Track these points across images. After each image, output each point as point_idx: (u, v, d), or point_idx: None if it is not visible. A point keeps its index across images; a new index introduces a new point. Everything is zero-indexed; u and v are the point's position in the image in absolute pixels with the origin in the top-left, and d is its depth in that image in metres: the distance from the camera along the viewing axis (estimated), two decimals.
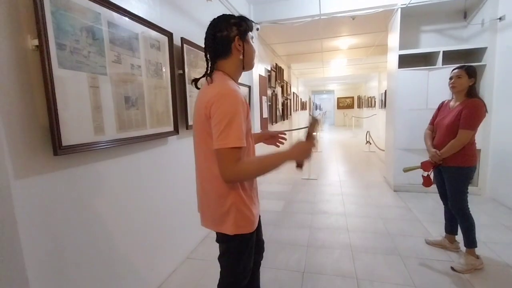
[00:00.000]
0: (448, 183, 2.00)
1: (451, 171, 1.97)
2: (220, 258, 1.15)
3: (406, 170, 2.18)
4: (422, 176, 2.13)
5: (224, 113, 0.90)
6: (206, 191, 1.07)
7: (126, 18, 1.46)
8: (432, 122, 2.20)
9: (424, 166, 2.08)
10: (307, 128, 1.06)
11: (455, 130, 1.90)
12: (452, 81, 1.97)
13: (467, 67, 1.94)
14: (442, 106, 2.16)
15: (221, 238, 1.10)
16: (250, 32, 1.07)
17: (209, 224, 1.10)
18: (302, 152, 1.01)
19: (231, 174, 0.92)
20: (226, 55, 1.03)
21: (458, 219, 1.97)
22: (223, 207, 1.03)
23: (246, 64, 1.08)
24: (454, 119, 1.91)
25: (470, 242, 1.91)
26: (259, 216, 1.27)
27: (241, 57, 1.04)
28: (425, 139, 2.19)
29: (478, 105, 1.84)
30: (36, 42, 1.00)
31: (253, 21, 3.81)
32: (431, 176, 2.10)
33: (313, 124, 1.05)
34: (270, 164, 0.96)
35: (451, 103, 2.06)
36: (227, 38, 1.01)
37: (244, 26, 1.04)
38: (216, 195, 1.03)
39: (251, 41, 1.07)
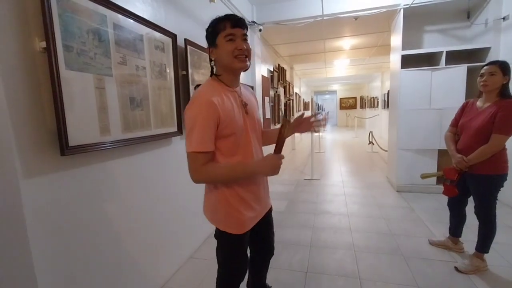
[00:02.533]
0: (475, 191, 1.85)
1: (479, 179, 1.79)
2: (216, 251, 1.20)
3: (424, 176, 2.01)
4: (444, 184, 1.95)
5: (188, 119, 0.96)
6: (205, 185, 1.15)
7: (131, 20, 1.47)
8: (455, 124, 1.99)
9: (447, 173, 1.89)
10: (279, 131, 1.02)
11: (486, 133, 1.71)
12: (484, 78, 1.75)
13: (502, 62, 1.74)
14: (466, 106, 1.95)
15: (215, 231, 1.16)
16: (222, 32, 1.00)
17: (208, 215, 1.16)
18: (270, 168, 1.00)
19: (194, 175, 0.98)
20: (213, 62, 1.08)
21: (480, 225, 1.85)
22: (211, 203, 1.11)
23: (224, 66, 1.04)
24: (486, 122, 1.71)
25: (484, 247, 1.86)
26: (270, 215, 1.31)
27: (213, 63, 1.07)
28: (447, 142, 1.99)
29: None
30: (43, 44, 1.02)
31: (257, 23, 3.82)
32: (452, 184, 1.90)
33: (284, 125, 1.01)
34: (235, 174, 1.02)
35: (478, 103, 1.85)
36: (207, 48, 1.07)
37: (211, 32, 1.03)
38: (205, 191, 1.15)
39: (223, 41, 1.00)
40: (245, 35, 1.03)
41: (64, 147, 1.08)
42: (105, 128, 1.29)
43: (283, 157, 1.03)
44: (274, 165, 1.00)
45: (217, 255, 1.20)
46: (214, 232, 1.17)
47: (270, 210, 1.32)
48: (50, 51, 1.02)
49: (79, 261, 1.22)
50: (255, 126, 1.15)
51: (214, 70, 1.09)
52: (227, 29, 0.99)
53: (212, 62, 1.07)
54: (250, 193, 1.11)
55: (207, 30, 1.05)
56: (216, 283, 1.24)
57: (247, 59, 1.03)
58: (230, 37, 0.99)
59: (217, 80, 1.06)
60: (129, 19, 1.45)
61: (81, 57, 1.15)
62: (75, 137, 1.13)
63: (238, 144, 1.05)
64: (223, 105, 0.99)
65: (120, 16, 1.38)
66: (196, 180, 0.98)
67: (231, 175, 1.02)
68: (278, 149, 1.03)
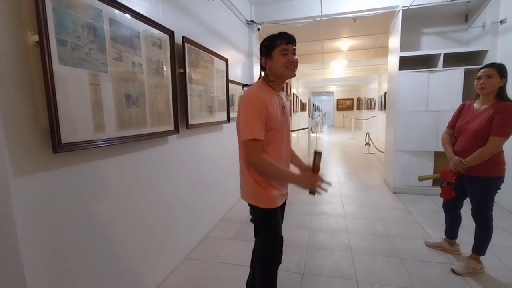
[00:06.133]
0: (472, 194, 1.84)
1: (477, 181, 1.79)
2: (254, 229, 1.39)
3: (421, 179, 2.01)
4: (442, 186, 1.96)
5: (241, 112, 1.18)
6: (240, 169, 1.34)
7: (128, 16, 1.45)
8: (452, 126, 1.98)
9: (445, 175, 1.88)
10: (312, 162, 1.25)
11: (484, 136, 1.71)
12: (481, 81, 1.74)
13: (498, 65, 1.72)
14: (463, 108, 1.95)
15: (250, 208, 1.35)
16: (278, 47, 1.19)
17: (243, 195, 1.35)
18: (308, 183, 1.21)
19: (251, 159, 1.17)
20: (264, 69, 1.30)
21: (477, 227, 1.85)
22: (247, 182, 1.29)
23: (277, 75, 1.24)
24: (484, 124, 1.71)
25: (481, 250, 1.85)
26: (285, 204, 1.48)
27: (267, 71, 1.27)
28: (444, 144, 1.98)
29: None
30: (36, 38, 0.99)
31: (255, 23, 3.80)
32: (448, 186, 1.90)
33: (316, 156, 1.22)
34: (280, 176, 1.23)
35: (476, 105, 1.85)
36: (260, 58, 1.29)
37: (267, 45, 1.23)
38: (242, 172, 1.32)
39: (279, 55, 1.19)
40: (295, 49, 1.22)
41: (56, 144, 1.05)
42: (99, 125, 1.26)
43: (321, 178, 1.23)
44: (311, 181, 1.22)
45: (254, 227, 1.36)
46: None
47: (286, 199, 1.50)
48: (43, 45, 0.99)
49: (71, 261, 1.19)
50: (288, 126, 1.35)
51: (265, 75, 1.30)
52: (282, 44, 1.19)
53: (265, 68, 1.28)
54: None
55: (262, 44, 1.25)
56: (257, 261, 1.40)
57: (295, 69, 1.23)
58: (285, 52, 1.19)
59: (266, 84, 1.26)
60: (125, 15, 1.42)
61: (75, 52, 1.12)
62: (68, 134, 1.10)
63: (274, 137, 1.24)
64: (271, 102, 1.19)
65: (116, 11, 1.36)
66: (252, 162, 1.17)
67: (279, 175, 1.22)
68: (316, 171, 1.25)
